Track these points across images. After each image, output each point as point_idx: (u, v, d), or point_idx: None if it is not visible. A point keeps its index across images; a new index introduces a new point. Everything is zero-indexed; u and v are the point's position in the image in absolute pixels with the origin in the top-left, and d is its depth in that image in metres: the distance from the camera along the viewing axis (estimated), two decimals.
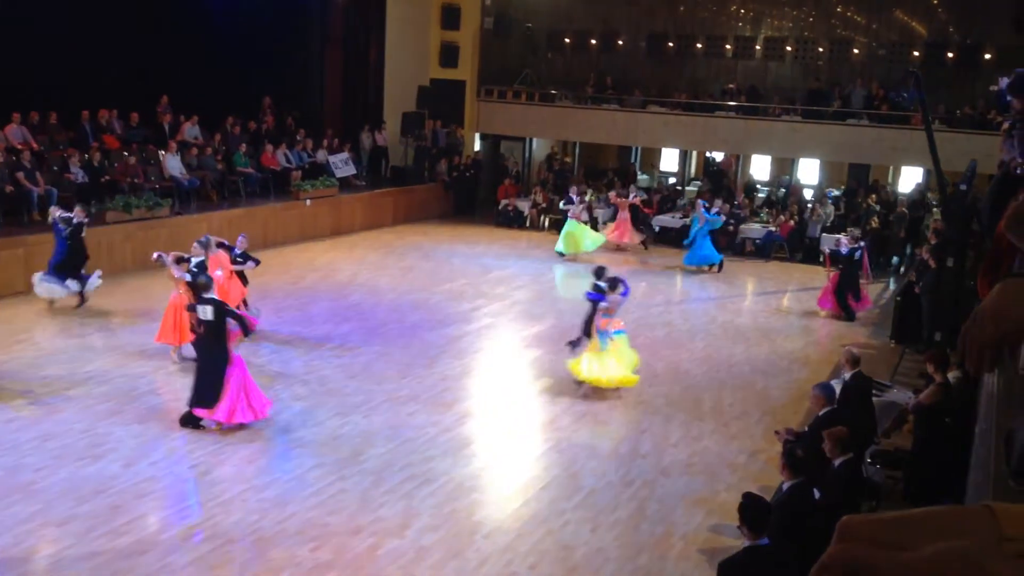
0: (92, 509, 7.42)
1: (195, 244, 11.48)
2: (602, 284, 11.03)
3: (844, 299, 15.05)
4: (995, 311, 1.35)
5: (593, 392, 10.70)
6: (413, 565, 6.88)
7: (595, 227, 19.66)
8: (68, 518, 7.24)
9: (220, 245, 12.07)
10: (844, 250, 15.07)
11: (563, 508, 7.93)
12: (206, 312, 9.08)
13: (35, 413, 9.36)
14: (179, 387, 10.42)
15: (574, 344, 11.82)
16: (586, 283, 11.87)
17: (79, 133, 16.91)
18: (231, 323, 9.12)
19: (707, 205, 18.57)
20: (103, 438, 8.84)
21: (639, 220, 20.00)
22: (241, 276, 12.41)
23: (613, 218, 20.18)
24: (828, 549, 0.87)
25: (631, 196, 19.87)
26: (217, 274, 11.87)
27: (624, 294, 10.93)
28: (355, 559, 6.93)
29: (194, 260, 11.02)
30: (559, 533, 7.50)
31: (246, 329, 9.30)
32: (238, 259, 12.30)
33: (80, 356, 11.16)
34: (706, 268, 18.20)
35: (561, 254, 18.61)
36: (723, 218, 18.72)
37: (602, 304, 10.77)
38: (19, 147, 15.46)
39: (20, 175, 14.83)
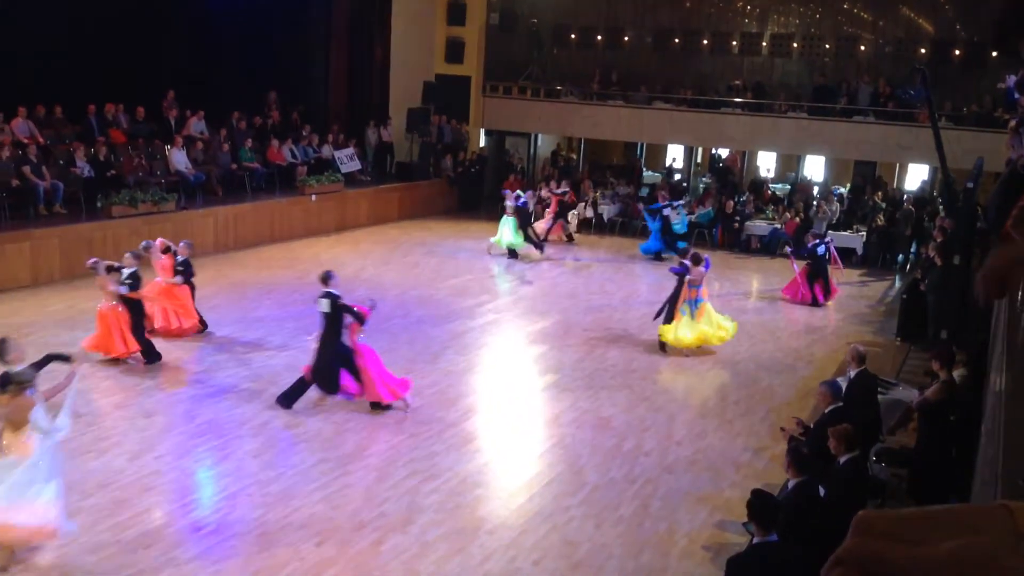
0: (97, 502, 7.44)
1: (128, 255, 11.13)
2: (686, 260, 12.31)
3: (812, 288, 15.67)
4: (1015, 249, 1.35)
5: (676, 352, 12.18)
6: (417, 560, 6.88)
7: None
8: (73, 511, 7.23)
9: (167, 250, 11.84)
10: (808, 245, 15.86)
11: (567, 504, 7.93)
12: (322, 305, 9.54)
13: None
14: (181, 381, 10.45)
15: (662, 316, 12.53)
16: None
17: (85, 127, 16.92)
18: (347, 317, 9.54)
19: (673, 204, 19.23)
20: (108, 431, 8.87)
21: (566, 213, 20.36)
22: (188, 283, 11.97)
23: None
24: (844, 543, 0.86)
25: (559, 191, 20.17)
26: (157, 279, 11.73)
27: (706, 267, 12.21)
28: (359, 554, 6.93)
29: (126, 271, 10.79)
30: (563, 529, 7.50)
31: (361, 320, 9.59)
32: (178, 267, 11.87)
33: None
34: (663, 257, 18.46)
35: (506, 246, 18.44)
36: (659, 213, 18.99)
37: (688, 277, 12.03)
38: (25, 141, 15.47)
39: (26, 169, 14.84)
